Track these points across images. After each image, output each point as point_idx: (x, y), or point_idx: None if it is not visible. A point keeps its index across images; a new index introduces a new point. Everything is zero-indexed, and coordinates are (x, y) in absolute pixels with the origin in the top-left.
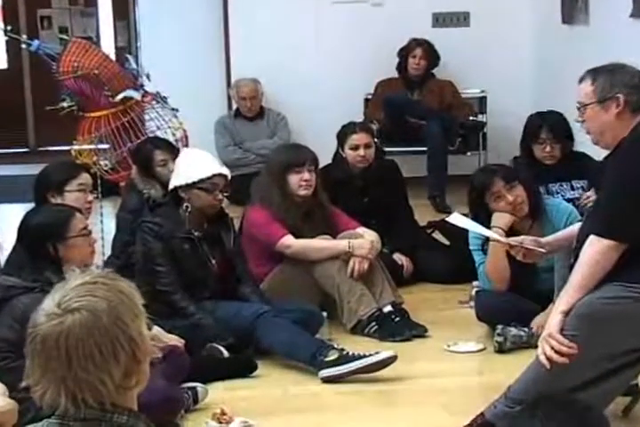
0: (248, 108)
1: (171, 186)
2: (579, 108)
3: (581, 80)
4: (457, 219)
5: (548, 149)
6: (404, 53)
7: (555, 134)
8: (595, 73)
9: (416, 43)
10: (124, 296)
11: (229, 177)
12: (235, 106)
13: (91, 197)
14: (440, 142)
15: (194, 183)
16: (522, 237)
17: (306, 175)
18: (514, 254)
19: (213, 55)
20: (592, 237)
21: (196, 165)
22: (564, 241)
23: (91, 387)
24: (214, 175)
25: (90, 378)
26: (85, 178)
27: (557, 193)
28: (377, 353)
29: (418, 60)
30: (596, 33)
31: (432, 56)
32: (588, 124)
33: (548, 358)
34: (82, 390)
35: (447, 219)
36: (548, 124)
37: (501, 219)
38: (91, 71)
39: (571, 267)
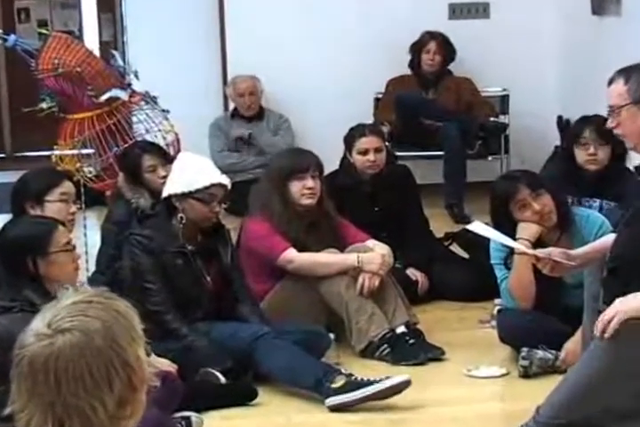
0: (247, 107)
1: (164, 194)
2: (610, 113)
3: (611, 81)
4: (478, 227)
5: (591, 150)
6: (417, 48)
7: (599, 135)
8: (626, 72)
9: (430, 36)
10: (121, 317)
11: (229, 187)
12: (231, 106)
13: (73, 208)
14: (458, 146)
15: (190, 193)
16: (550, 248)
17: (309, 182)
18: (540, 268)
19: (208, 51)
20: None
21: (194, 172)
22: (596, 254)
23: (80, 413)
24: (213, 185)
25: (80, 403)
26: (67, 186)
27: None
28: (388, 378)
29: (432, 55)
30: (629, 25)
31: (447, 50)
32: (622, 128)
33: None
34: (70, 416)
35: (468, 227)
36: (592, 124)
37: (527, 230)
38: (73, 69)
39: (602, 282)
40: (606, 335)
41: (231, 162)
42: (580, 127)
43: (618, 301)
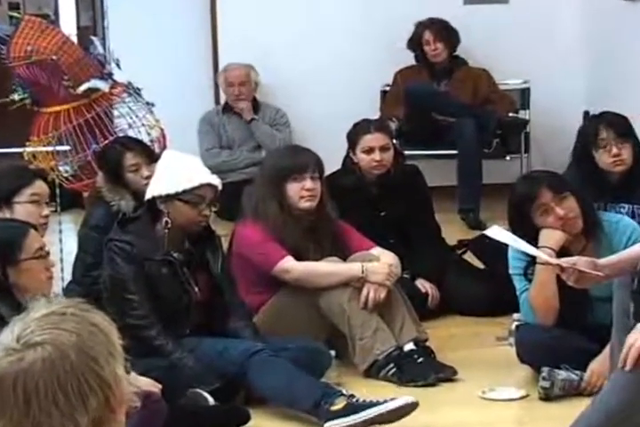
0: (235, 97)
1: (148, 195)
2: None
3: None
4: (497, 233)
5: (614, 150)
6: (415, 43)
7: (618, 133)
8: None
9: (422, 26)
10: (98, 331)
11: (220, 188)
12: (223, 99)
13: (47, 211)
14: (473, 144)
15: (176, 194)
16: (575, 257)
17: (308, 184)
18: (565, 279)
19: (198, 38)
20: None
21: (180, 171)
22: (626, 264)
23: None
24: (202, 185)
25: (53, 423)
26: (40, 187)
27: None
28: (392, 400)
29: (433, 44)
30: None
31: (447, 35)
32: None
33: None
34: None
35: (485, 232)
36: (606, 122)
37: (551, 237)
38: (47, 57)
39: (633, 295)
40: (627, 368)
41: (222, 160)
42: (595, 128)
43: None
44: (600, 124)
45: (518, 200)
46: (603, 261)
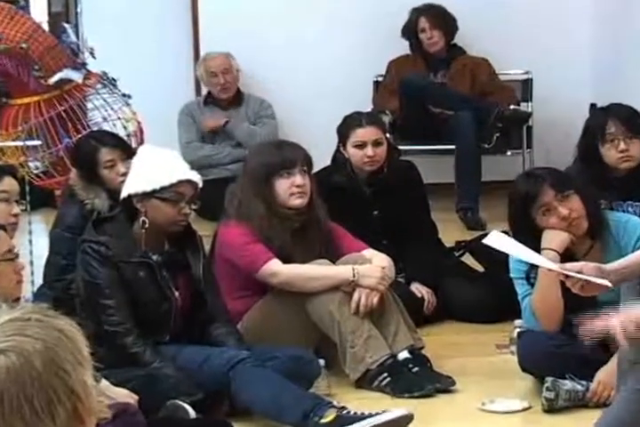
0: (222, 87)
1: (124, 194)
2: None
3: None
4: (497, 241)
5: (622, 146)
6: (411, 31)
7: (627, 127)
8: None
9: (417, 13)
10: (65, 337)
11: (200, 185)
12: (204, 91)
13: (16, 209)
14: (472, 139)
15: (153, 191)
16: (580, 263)
17: (298, 179)
18: (570, 286)
19: (177, 25)
20: None
21: (157, 167)
22: (635, 267)
23: None
24: (180, 182)
25: None
26: (8, 184)
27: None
28: (386, 412)
29: (429, 32)
30: None
31: (444, 21)
32: None
33: None
34: None
35: (484, 241)
36: (614, 116)
37: (555, 238)
38: (17, 45)
39: None
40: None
41: (204, 155)
42: (602, 121)
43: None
44: (608, 118)
45: (519, 200)
46: (609, 266)
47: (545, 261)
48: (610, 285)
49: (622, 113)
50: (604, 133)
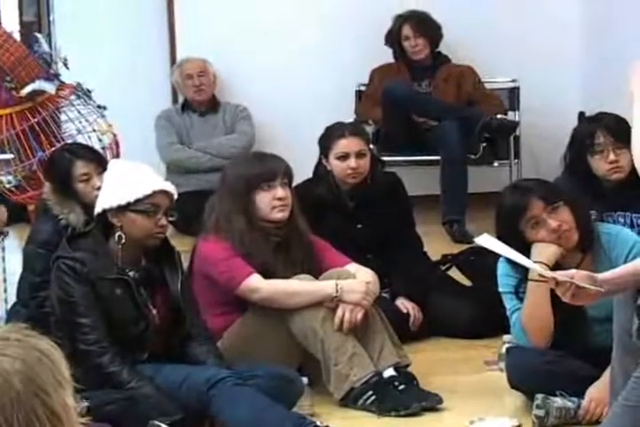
0: (197, 89)
1: (97, 210)
2: None
3: None
4: (488, 240)
5: (612, 156)
6: (394, 38)
7: (616, 137)
8: None
9: (401, 19)
10: (45, 357)
11: (175, 196)
12: (181, 99)
13: None
14: (458, 149)
15: (128, 204)
16: (572, 270)
17: (280, 192)
18: (560, 294)
19: (153, 34)
20: None
21: (131, 180)
22: (628, 278)
23: None
24: (155, 193)
25: None
26: None
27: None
28: None
29: (413, 40)
30: None
31: (429, 29)
32: None
33: None
34: None
35: (476, 240)
36: (603, 125)
37: (544, 252)
38: None
39: (638, 311)
40: None
41: (186, 156)
42: (590, 131)
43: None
44: (597, 128)
45: (507, 212)
46: (602, 275)
47: (536, 265)
48: (603, 290)
49: (610, 123)
50: (593, 144)
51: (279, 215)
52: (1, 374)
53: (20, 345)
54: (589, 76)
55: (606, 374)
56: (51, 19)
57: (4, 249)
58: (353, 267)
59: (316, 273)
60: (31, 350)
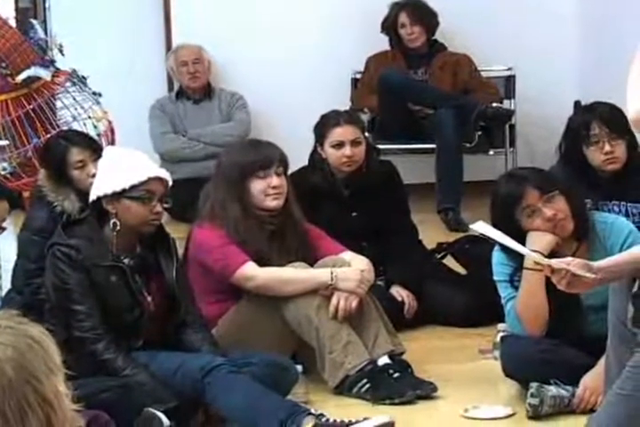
0: (191, 76)
1: (92, 197)
2: None
3: None
4: (483, 227)
5: (607, 147)
6: (390, 26)
7: (611, 128)
8: None
9: (398, 7)
10: (36, 344)
11: (170, 182)
12: (177, 87)
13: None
14: (453, 138)
15: (123, 191)
16: (568, 258)
17: (274, 180)
18: (556, 282)
19: (149, 20)
20: None
21: (125, 167)
22: (623, 267)
23: None
24: (150, 179)
25: None
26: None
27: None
28: (366, 420)
29: (409, 28)
30: None
31: (425, 16)
32: None
33: None
34: None
35: (472, 226)
36: (598, 116)
37: (540, 240)
38: None
39: (633, 299)
40: None
41: (179, 146)
42: (585, 122)
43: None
44: (592, 119)
45: (502, 201)
46: (597, 263)
47: (531, 252)
48: (597, 278)
49: (606, 113)
50: (588, 135)
51: (273, 203)
52: None
53: (11, 332)
54: (586, 64)
55: (601, 363)
56: (46, 5)
57: None
58: (348, 255)
59: (311, 261)
60: (22, 337)
